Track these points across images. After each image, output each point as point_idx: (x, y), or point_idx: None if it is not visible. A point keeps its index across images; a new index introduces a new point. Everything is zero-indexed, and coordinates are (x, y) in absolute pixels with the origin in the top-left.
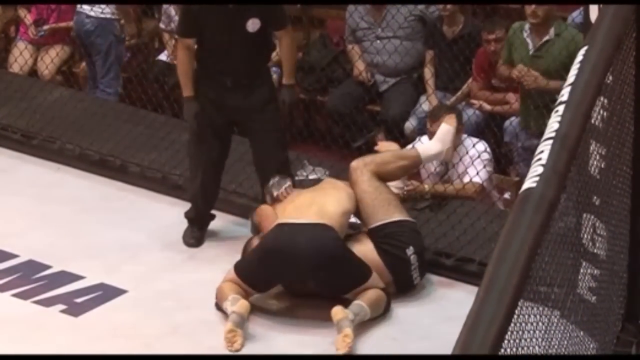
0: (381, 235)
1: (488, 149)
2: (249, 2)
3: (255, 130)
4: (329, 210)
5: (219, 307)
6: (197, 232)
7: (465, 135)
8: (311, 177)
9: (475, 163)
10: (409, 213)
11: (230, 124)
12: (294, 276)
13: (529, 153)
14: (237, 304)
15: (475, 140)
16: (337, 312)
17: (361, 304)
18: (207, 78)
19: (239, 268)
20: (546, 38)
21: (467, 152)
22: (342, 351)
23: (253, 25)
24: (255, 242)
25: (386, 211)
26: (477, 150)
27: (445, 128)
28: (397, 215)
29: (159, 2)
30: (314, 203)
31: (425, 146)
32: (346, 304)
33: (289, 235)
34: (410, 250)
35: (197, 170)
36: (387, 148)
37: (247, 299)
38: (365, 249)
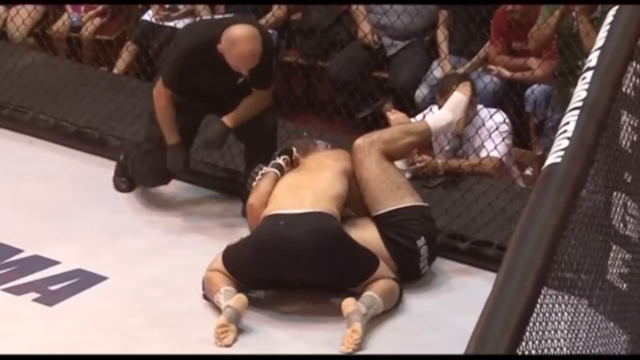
0: (389, 223)
1: (507, 120)
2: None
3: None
4: (324, 195)
5: (207, 297)
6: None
7: (481, 106)
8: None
9: (493, 136)
10: (420, 195)
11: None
12: (295, 272)
13: None
14: (233, 298)
15: (492, 110)
16: (348, 304)
17: (373, 295)
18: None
19: (228, 263)
20: (594, 15)
21: (483, 124)
22: (347, 349)
23: (244, 78)
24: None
25: (395, 195)
26: (495, 121)
27: (458, 97)
28: (408, 199)
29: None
30: (306, 187)
31: (434, 117)
32: (355, 297)
33: (286, 228)
34: (421, 241)
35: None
36: (397, 119)
37: (239, 291)
38: (369, 237)
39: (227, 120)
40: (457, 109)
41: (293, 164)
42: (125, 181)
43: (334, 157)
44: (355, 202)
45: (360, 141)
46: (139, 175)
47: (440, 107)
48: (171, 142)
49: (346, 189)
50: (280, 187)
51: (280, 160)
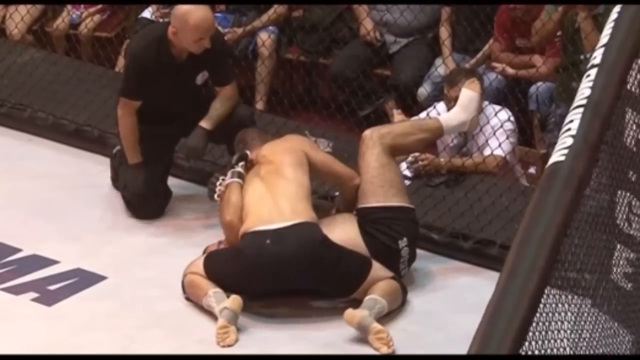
0: (372, 219)
1: (512, 118)
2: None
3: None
4: (298, 198)
5: (190, 299)
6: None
7: (486, 103)
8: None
9: (498, 134)
10: (424, 194)
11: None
12: (287, 285)
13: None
14: (228, 300)
15: (497, 107)
16: (352, 316)
17: (374, 297)
18: (148, 126)
19: (211, 273)
20: (597, 11)
21: (488, 122)
22: (387, 350)
23: (202, 77)
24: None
25: (385, 193)
26: (499, 119)
27: (469, 95)
28: (396, 199)
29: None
30: (277, 194)
31: (447, 116)
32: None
33: (274, 246)
34: (403, 242)
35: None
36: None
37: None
38: (346, 232)
39: (203, 123)
40: (470, 107)
41: (248, 167)
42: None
43: (283, 150)
44: (324, 176)
45: (368, 132)
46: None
47: (447, 97)
48: (135, 160)
49: (309, 179)
50: (250, 197)
51: (239, 169)
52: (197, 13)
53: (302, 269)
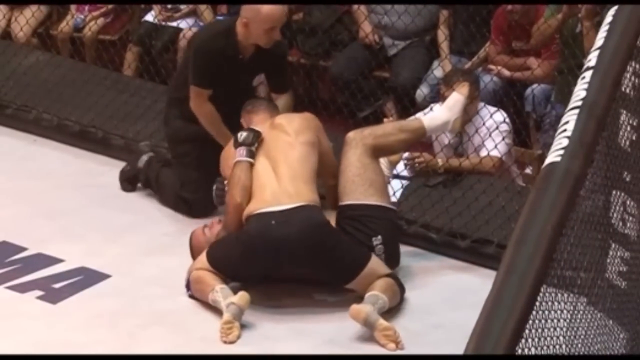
0: (348, 216)
1: (507, 120)
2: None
3: None
4: (303, 181)
5: (194, 297)
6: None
7: (482, 104)
8: None
9: (494, 135)
10: (424, 192)
11: None
12: (289, 269)
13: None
14: (236, 296)
15: (493, 109)
16: (358, 311)
17: (376, 293)
18: (197, 125)
19: (214, 261)
20: (598, 19)
21: (483, 123)
22: (394, 347)
23: (258, 80)
24: (222, 233)
25: (364, 191)
26: (495, 120)
27: (455, 97)
28: (375, 198)
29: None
30: (284, 175)
31: (430, 116)
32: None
33: (278, 227)
34: (377, 240)
35: (199, 203)
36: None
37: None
38: None
39: None
40: (455, 109)
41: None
42: (130, 183)
43: (300, 125)
44: (321, 165)
45: (352, 134)
46: (182, 210)
47: (443, 98)
48: (228, 142)
49: (316, 161)
50: (256, 174)
51: (254, 148)
52: (270, 6)
53: (304, 251)
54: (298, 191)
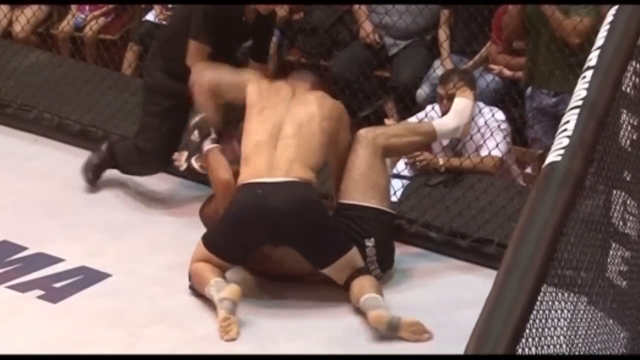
0: (344, 215)
1: (506, 119)
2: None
3: None
4: (303, 160)
5: (193, 289)
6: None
7: (482, 104)
8: None
9: (494, 134)
10: (423, 192)
11: None
12: (274, 239)
13: (545, 115)
14: (226, 290)
15: (494, 108)
16: (379, 317)
17: (373, 296)
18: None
19: (208, 242)
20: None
21: (485, 122)
22: (428, 337)
23: (248, 45)
24: (211, 209)
25: (365, 193)
26: (496, 119)
27: (463, 102)
28: (374, 201)
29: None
30: (285, 147)
31: (441, 121)
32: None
33: (264, 198)
34: (370, 242)
35: (154, 156)
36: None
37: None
38: None
39: None
40: (464, 114)
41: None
42: (92, 173)
43: (330, 112)
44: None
45: (363, 132)
46: (141, 169)
47: (440, 96)
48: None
49: (326, 153)
50: (258, 141)
51: (212, 134)
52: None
53: (287, 225)
54: (294, 168)
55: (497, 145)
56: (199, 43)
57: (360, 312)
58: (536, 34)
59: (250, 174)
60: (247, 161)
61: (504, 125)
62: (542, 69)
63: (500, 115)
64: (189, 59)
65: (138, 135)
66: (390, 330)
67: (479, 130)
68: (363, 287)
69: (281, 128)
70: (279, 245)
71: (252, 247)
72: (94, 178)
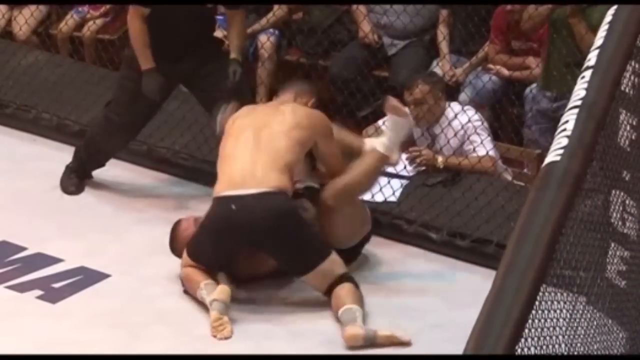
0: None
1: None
2: None
3: (202, 86)
4: (278, 167)
5: (188, 293)
6: (77, 180)
7: (455, 103)
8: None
9: (479, 131)
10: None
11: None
12: (249, 244)
13: (544, 117)
14: (216, 291)
15: (466, 107)
16: (354, 337)
17: (349, 307)
18: (156, 49)
19: (192, 253)
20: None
21: (469, 120)
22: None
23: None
24: (185, 224)
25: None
26: (478, 118)
27: (395, 119)
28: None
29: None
30: (258, 157)
31: (380, 141)
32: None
33: (239, 212)
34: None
35: (120, 131)
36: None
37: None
38: None
39: (235, 55)
40: (397, 130)
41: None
42: (74, 182)
43: (297, 121)
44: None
45: (326, 197)
46: (104, 141)
47: (407, 105)
48: (146, 66)
49: (301, 160)
50: (234, 151)
51: None
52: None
53: (263, 237)
54: (269, 177)
55: (493, 146)
56: (136, 5)
57: None
58: (560, 41)
59: (224, 186)
60: (222, 172)
61: (486, 124)
62: (555, 74)
63: (472, 112)
64: (128, 18)
65: (109, 104)
66: (367, 343)
67: (465, 130)
68: (340, 298)
69: (254, 138)
70: (258, 250)
71: (233, 254)
72: (79, 182)
